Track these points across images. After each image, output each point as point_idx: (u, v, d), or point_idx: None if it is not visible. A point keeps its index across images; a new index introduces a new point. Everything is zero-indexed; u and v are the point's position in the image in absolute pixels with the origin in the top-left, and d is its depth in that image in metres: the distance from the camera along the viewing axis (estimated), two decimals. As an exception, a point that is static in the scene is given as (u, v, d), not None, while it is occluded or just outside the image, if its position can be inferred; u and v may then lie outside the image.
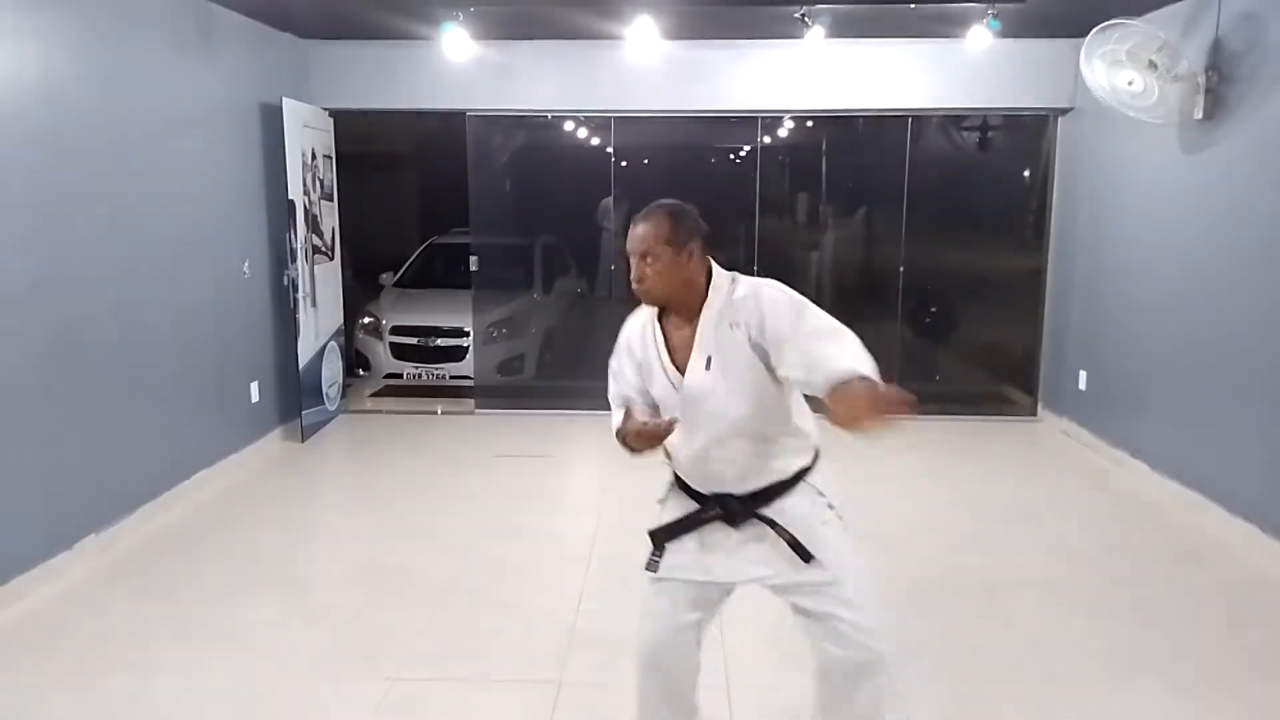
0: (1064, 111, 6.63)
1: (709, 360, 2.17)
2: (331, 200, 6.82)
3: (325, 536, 4.80)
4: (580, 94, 6.78)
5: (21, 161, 3.86)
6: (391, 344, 7.55)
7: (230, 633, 3.57)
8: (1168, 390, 5.29)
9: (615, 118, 7.08)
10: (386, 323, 7.64)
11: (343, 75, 6.71)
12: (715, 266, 2.26)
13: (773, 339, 2.10)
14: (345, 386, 7.18)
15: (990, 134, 7.48)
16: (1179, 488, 5.07)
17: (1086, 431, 6.24)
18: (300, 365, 6.23)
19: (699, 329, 2.20)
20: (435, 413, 7.23)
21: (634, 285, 2.21)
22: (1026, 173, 7.17)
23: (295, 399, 6.27)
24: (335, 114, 6.82)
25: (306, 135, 6.30)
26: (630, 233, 2.21)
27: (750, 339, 2.13)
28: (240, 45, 5.76)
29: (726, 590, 2.34)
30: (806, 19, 5.47)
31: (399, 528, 4.79)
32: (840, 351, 2.01)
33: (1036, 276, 6.95)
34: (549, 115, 7.31)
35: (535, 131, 7.81)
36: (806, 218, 8.05)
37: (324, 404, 6.66)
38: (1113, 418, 5.93)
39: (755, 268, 7.22)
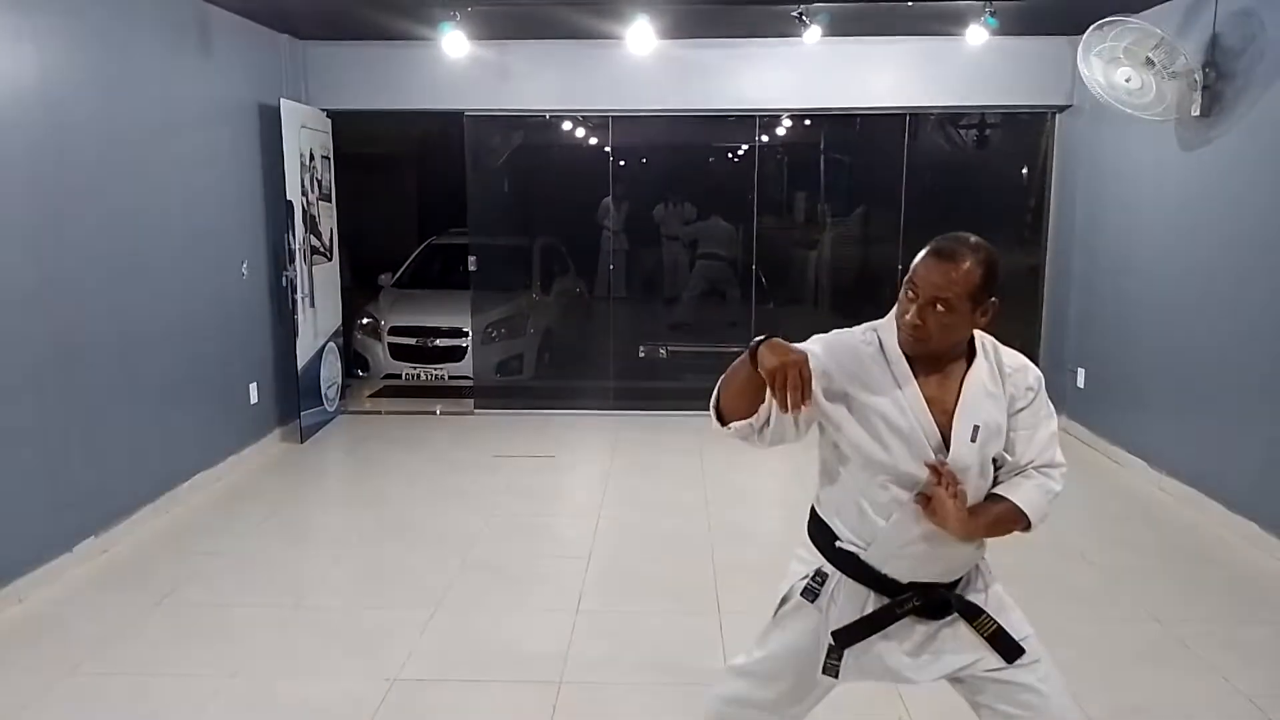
0: (1062, 109, 6.64)
1: (975, 431, 1.87)
2: (330, 201, 6.81)
3: (325, 537, 4.80)
4: (578, 94, 6.78)
5: (20, 164, 3.86)
6: (390, 344, 7.55)
7: (230, 633, 3.57)
8: (1166, 387, 5.29)
9: (613, 117, 7.08)
10: (385, 323, 7.64)
11: (341, 76, 6.70)
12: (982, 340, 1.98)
13: (1019, 422, 1.95)
14: (344, 387, 7.18)
15: (988, 132, 7.49)
16: (1177, 485, 5.07)
17: (1085, 429, 6.24)
18: (299, 366, 6.23)
19: (966, 391, 1.88)
20: (434, 413, 7.23)
21: (908, 328, 1.83)
22: (1024, 170, 7.17)
23: (294, 400, 6.26)
24: (333, 115, 6.81)
25: (304, 136, 6.30)
26: (931, 267, 1.80)
27: (1008, 413, 1.93)
28: (238, 46, 5.76)
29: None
30: (804, 17, 5.47)
31: (398, 528, 4.78)
32: (1036, 469, 2.01)
33: (1034, 274, 6.96)
34: (547, 115, 7.31)
35: (533, 131, 7.82)
36: (804, 216, 8.06)
37: (323, 405, 6.66)
38: (1111, 415, 5.93)
39: (753, 267, 7.23)
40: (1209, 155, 4.93)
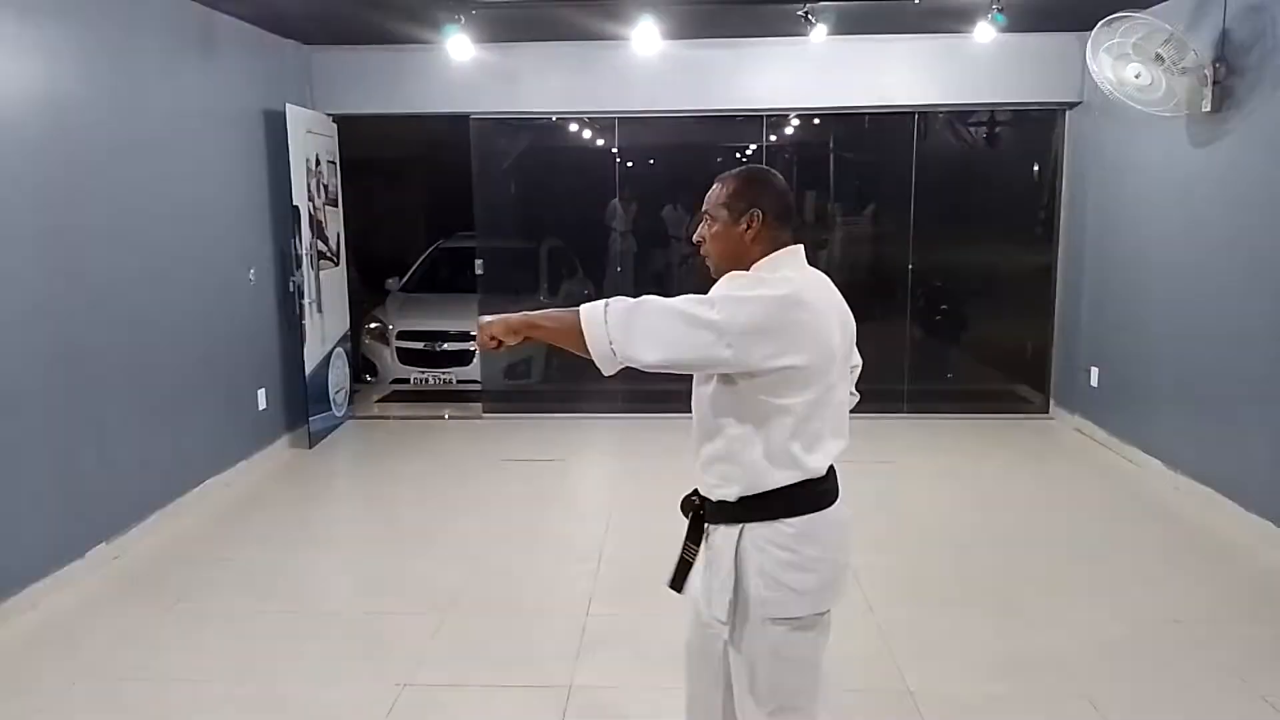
0: (1071, 106, 6.60)
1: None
2: (336, 206, 6.82)
3: (334, 542, 4.80)
4: (584, 95, 6.77)
5: (27, 171, 3.86)
6: (398, 349, 7.55)
7: (241, 639, 3.57)
8: (1180, 386, 5.25)
9: (619, 118, 7.07)
10: (393, 328, 7.63)
11: (346, 80, 6.71)
12: (782, 252, 1.98)
13: None
14: (352, 392, 7.18)
15: (997, 129, 7.45)
16: (1192, 484, 5.03)
17: (1099, 428, 6.19)
18: (307, 371, 6.23)
19: None
20: (443, 418, 7.23)
21: (697, 246, 2.07)
22: (1034, 168, 7.13)
23: (302, 405, 6.27)
24: (339, 119, 6.82)
25: (310, 141, 6.30)
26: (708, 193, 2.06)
27: None
28: (243, 52, 5.77)
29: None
30: (810, 16, 5.45)
31: (408, 533, 4.78)
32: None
33: (1046, 273, 6.91)
34: (553, 117, 7.30)
35: (539, 134, 7.81)
36: (814, 216, 8.02)
37: (331, 410, 6.66)
38: (1125, 414, 5.88)
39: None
40: (1220, 151, 4.89)
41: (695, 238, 2.05)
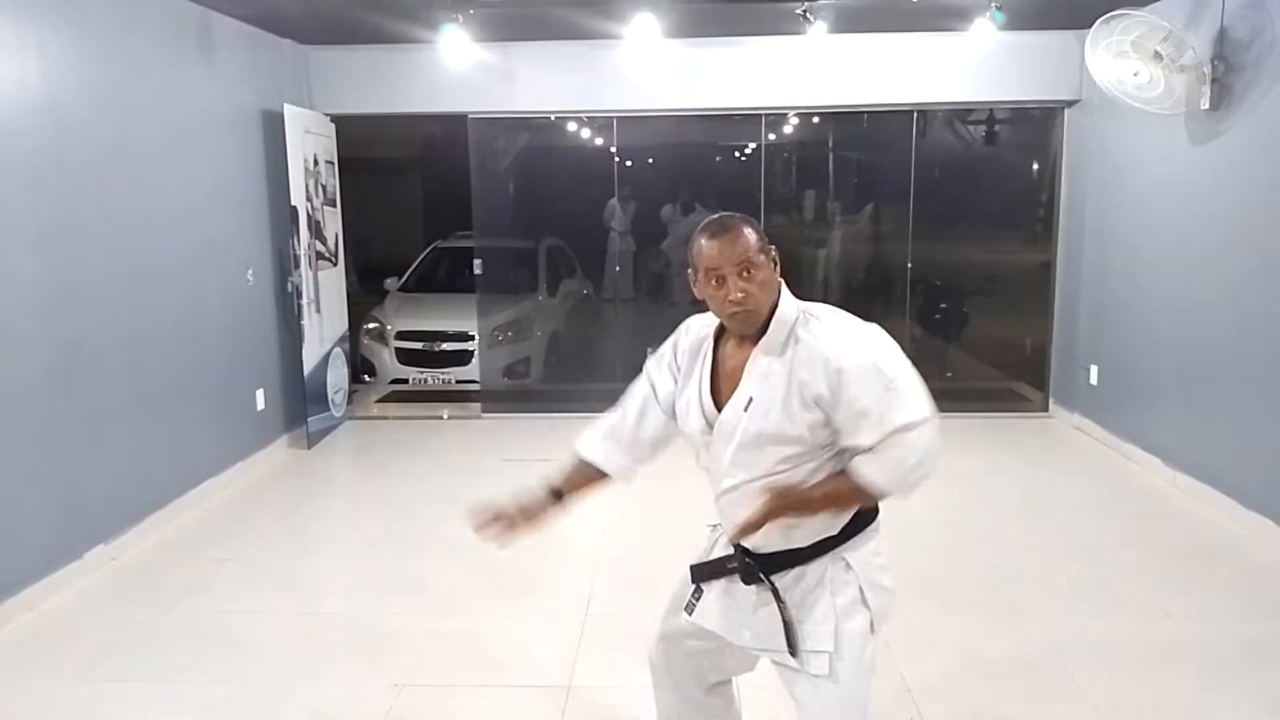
0: (1070, 103, 6.59)
1: (749, 401, 1.89)
2: (334, 206, 6.81)
3: (332, 543, 4.79)
4: (582, 94, 6.76)
5: (24, 172, 3.86)
6: (397, 349, 7.54)
7: (239, 640, 3.56)
8: (1179, 384, 5.25)
9: (618, 117, 7.06)
10: (391, 328, 7.63)
11: (343, 80, 6.70)
12: (784, 289, 1.95)
13: (839, 406, 1.83)
14: (351, 392, 7.17)
15: (996, 127, 7.44)
16: (1191, 481, 5.02)
17: (1098, 426, 6.19)
18: (305, 372, 6.22)
19: (750, 361, 1.90)
20: (441, 417, 7.22)
21: (732, 308, 1.86)
22: (1034, 166, 7.13)
23: (301, 406, 6.26)
24: (337, 119, 6.81)
25: (308, 141, 6.29)
26: (716, 247, 1.84)
27: (813, 397, 1.84)
28: (240, 52, 5.76)
29: (743, 653, 2.09)
30: (808, 14, 5.44)
31: (406, 533, 4.77)
32: (879, 443, 1.86)
33: (1045, 271, 6.91)
34: (551, 116, 7.30)
35: (538, 133, 7.81)
36: (813, 215, 8.03)
37: (330, 410, 6.65)
38: (1124, 412, 5.88)
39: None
40: (1219, 149, 4.89)
41: (736, 296, 1.84)
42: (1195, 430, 5.07)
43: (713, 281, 1.86)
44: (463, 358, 7.44)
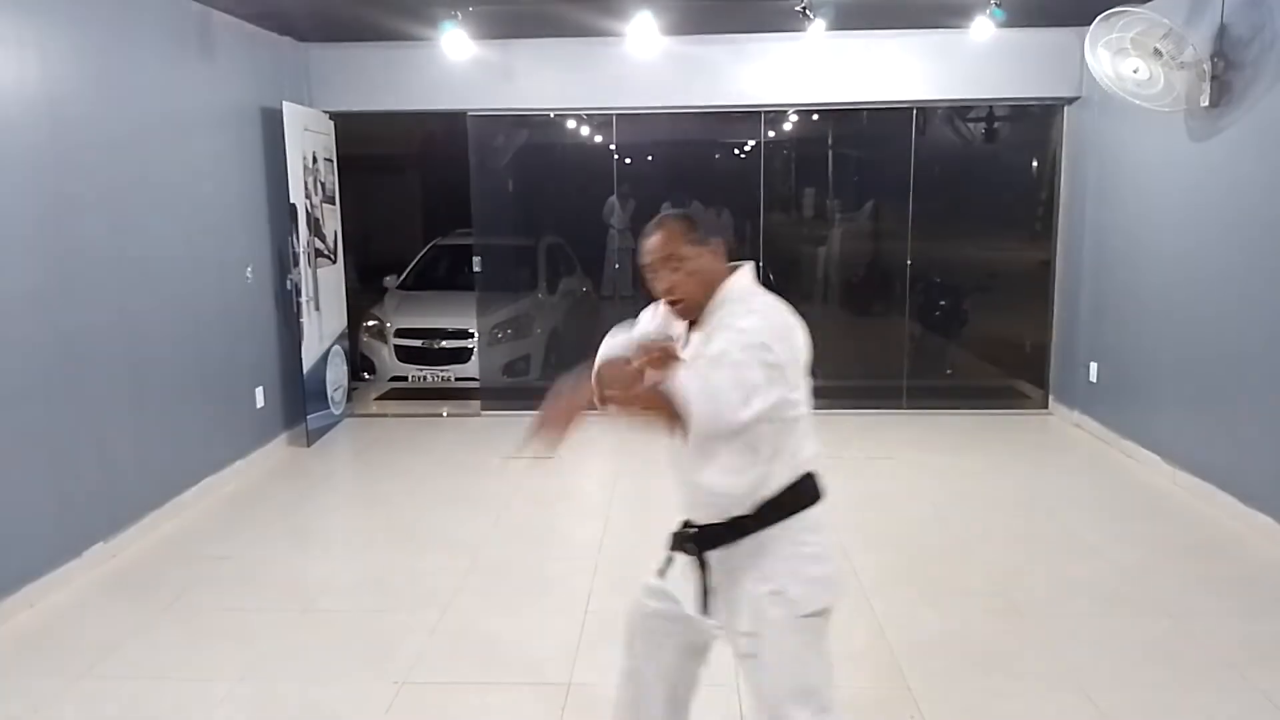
0: (1070, 101, 6.59)
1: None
2: (334, 203, 6.80)
3: (332, 540, 4.79)
4: (581, 92, 6.76)
5: (23, 170, 3.85)
6: (396, 347, 7.54)
7: (239, 638, 3.56)
8: (1179, 381, 5.25)
9: (617, 115, 7.06)
10: (391, 325, 7.63)
11: (343, 78, 6.69)
12: (738, 275, 2.05)
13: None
14: (350, 390, 7.17)
15: (996, 125, 7.44)
16: (1191, 479, 5.02)
17: (1098, 424, 6.19)
18: (305, 369, 6.22)
19: (694, 333, 2.06)
20: (441, 415, 7.22)
21: (665, 297, 2.05)
22: (1034, 163, 7.13)
23: (300, 403, 6.26)
24: (336, 117, 6.80)
25: (307, 139, 6.29)
26: (645, 245, 2.06)
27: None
28: (239, 50, 5.75)
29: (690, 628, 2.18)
30: (808, 12, 5.43)
31: (406, 531, 4.77)
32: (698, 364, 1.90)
33: (1045, 268, 6.91)
34: (550, 114, 7.29)
35: (537, 130, 7.80)
36: (812, 212, 8.03)
37: (329, 408, 6.65)
38: (1124, 410, 5.88)
39: (761, 264, 7.20)
40: (1218, 146, 4.88)
41: (664, 286, 2.02)
42: (1195, 427, 5.06)
43: (649, 275, 2.05)
44: (462, 355, 7.44)
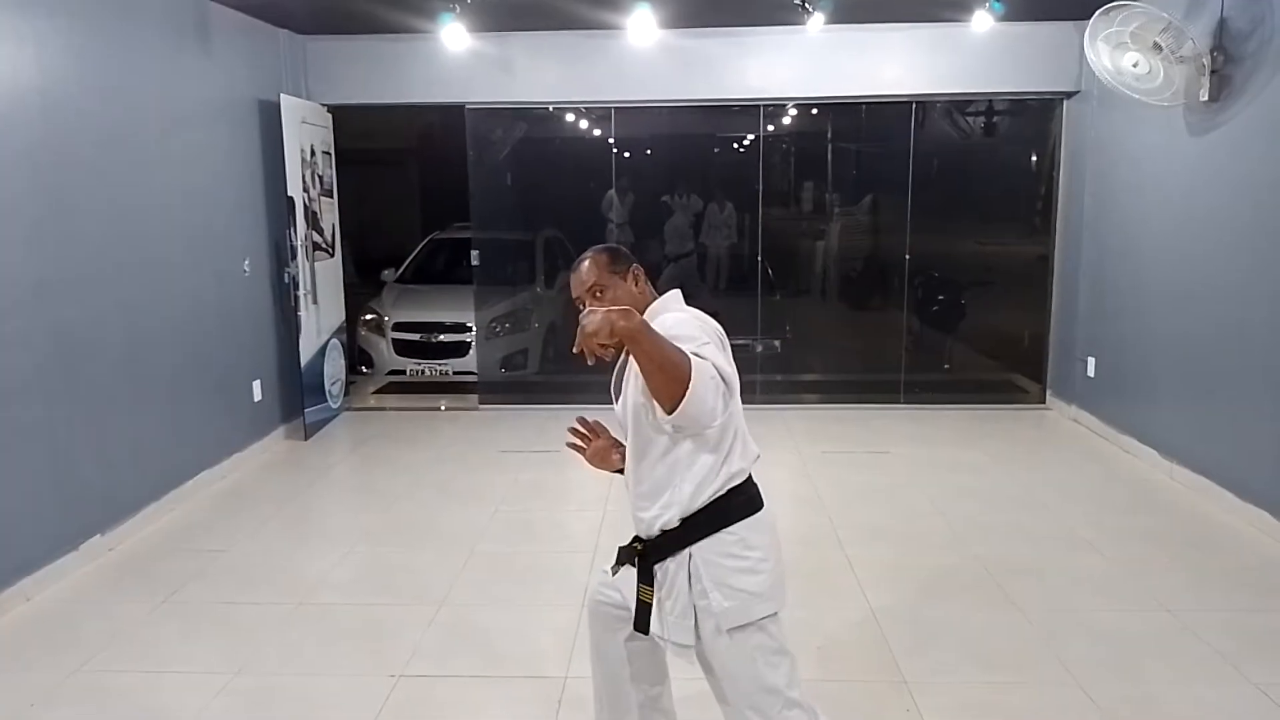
0: (1069, 95, 6.58)
1: (625, 396, 2.12)
2: (331, 197, 6.79)
3: (330, 534, 4.79)
4: (580, 85, 6.74)
5: (20, 162, 3.84)
6: (394, 340, 7.54)
7: (236, 631, 3.56)
8: (1177, 376, 5.25)
9: (616, 108, 7.04)
10: (389, 319, 7.63)
11: (340, 70, 6.68)
12: (666, 297, 2.18)
13: None
14: (348, 384, 7.17)
15: (995, 119, 7.43)
16: (1188, 473, 5.03)
17: (1096, 418, 6.20)
18: (302, 363, 6.21)
19: (628, 365, 2.11)
20: (439, 409, 7.22)
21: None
22: (1033, 157, 7.12)
23: (298, 397, 6.25)
24: (334, 109, 6.79)
25: (305, 131, 6.27)
26: (571, 279, 2.17)
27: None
28: (237, 42, 5.74)
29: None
30: (807, 5, 5.42)
31: (403, 524, 4.77)
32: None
33: (1043, 262, 6.91)
34: (549, 107, 7.28)
35: (535, 124, 7.78)
36: (811, 206, 8.01)
37: (327, 401, 6.65)
38: (1122, 404, 5.88)
39: (759, 258, 7.20)
40: (1218, 140, 4.88)
41: (584, 318, 1.96)
42: (1193, 422, 5.07)
43: (579, 309, 2.06)
44: (460, 349, 7.44)
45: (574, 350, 1.91)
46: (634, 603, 2.15)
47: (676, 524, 2.04)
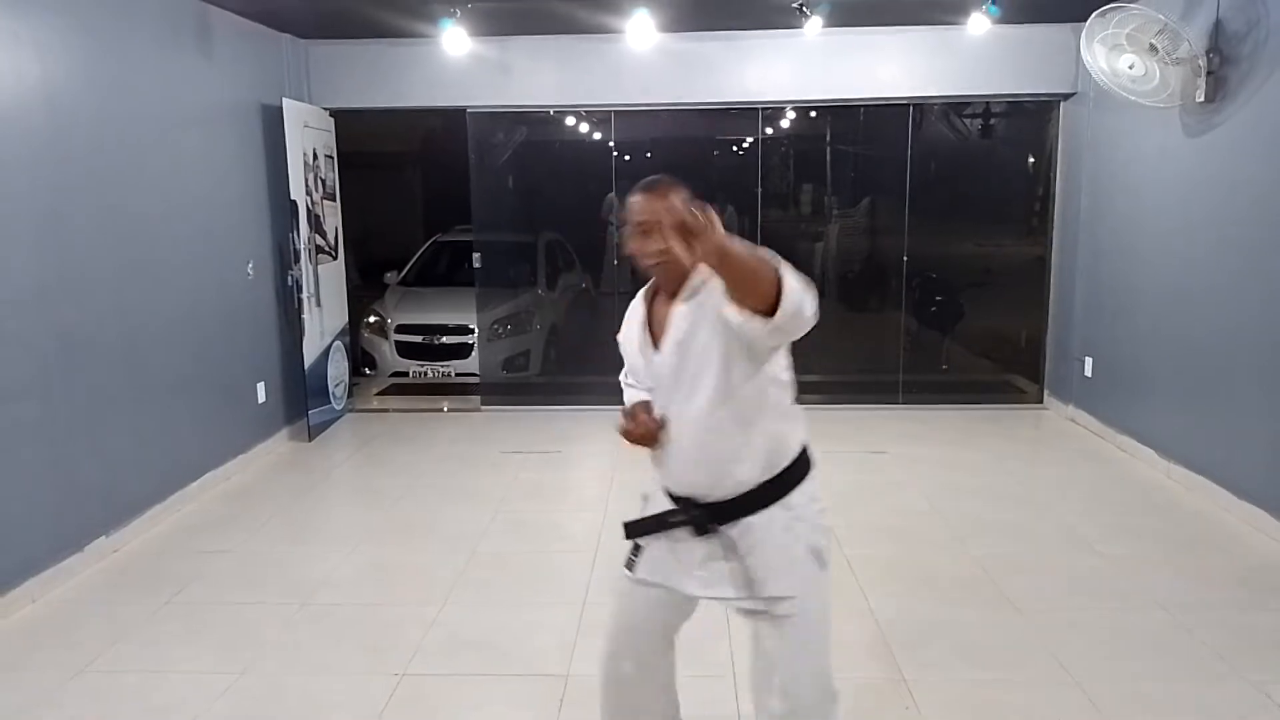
0: (1066, 97, 6.60)
1: (680, 339, 2.03)
2: (334, 200, 6.83)
3: (333, 535, 4.82)
4: (580, 88, 6.78)
5: (24, 167, 3.88)
6: (397, 342, 7.57)
7: (239, 632, 3.59)
8: (1174, 375, 5.28)
9: (615, 111, 7.07)
10: (391, 321, 7.66)
11: (342, 75, 6.71)
12: None
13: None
14: (351, 385, 7.20)
15: (992, 121, 7.46)
16: (1185, 472, 5.05)
17: (1093, 418, 6.22)
18: (306, 365, 6.25)
19: (676, 304, 2.06)
20: (441, 410, 7.25)
21: (656, 258, 2.00)
22: (1029, 159, 7.15)
23: (302, 399, 6.29)
24: (336, 114, 6.82)
25: (308, 135, 6.31)
26: (647, 201, 2.01)
27: (718, 313, 1.95)
28: (239, 47, 5.78)
29: (694, 601, 2.23)
30: (804, 8, 5.46)
31: (406, 525, 4.80)
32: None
33: (1040, 263, 6.94)
34: (549, 110, 7.30)
35: (536, 127, 7.81)
36: (809, 209, 8.04)
37: (330, 403, 6.68)
38: (1119, 404, 5.91)
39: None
40: (1214, 141, 4.90)
41: (661, 246, 1.92)
42: (1190, 422, 5.09)
43: (635, 236, 2.03)
44: (462, 351, 7.47)
45: (627, 246, 1.98)
46: (687, 581, 2.13)
47: (772, 478, 2.06)
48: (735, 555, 2.08)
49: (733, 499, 2.06)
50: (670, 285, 2.08)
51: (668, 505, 2.18)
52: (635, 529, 2.20)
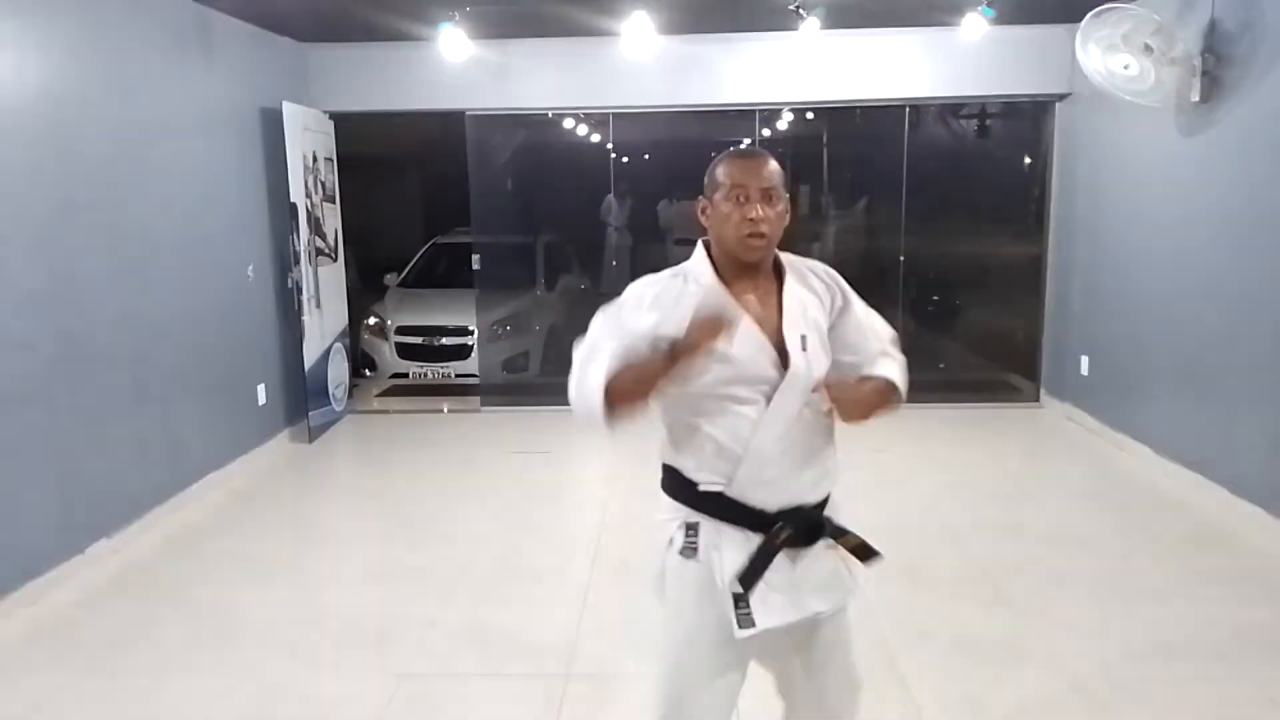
0: (1061, 97, 6.63)
1: (804, 339, 1.83)
2: (334, 202, 6.85)
3: (334, 535, 4.84)
4: (578, 91, 6.80)
5: (25, 170, 3.90)
6: (397, 344, 7.60)
7: (241, 633, 3.61)
8: (1170, 374, 5.30)
9: (614, 114, 7.10)
10: (391, 323, 7.68)
11: (342, 78, 6.74)
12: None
13: (848, 320, 1.95)
14: (352, 387, 7.22)
15: (988, 121, 7.49)
16: (1182, 471, 5.07)
17: (1090, 416, 6.24)
18: (306, 367, 6.27)
19: (787, 301, 1.87)
20: (441, 411, 7.27)
21: (749, 227, 1.79)
22: (1025, 159, 7.17)
23: (302, 400, 6.31)
24: (335, 116, 6.85)
25: (307, 138, 6.33)
26: (747, 165, 1.82)
27: (828, 315, 1.91)
28: (239, 50, 5.80)
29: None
30: (801, 10, 5.48)
31: (406, 525, 4.82)
32: (887, 351, 1.99)
33: (1037, 262, 6.96)
34: (548, 113, 7.34)
35: (535, 129, 7.85)
36: (807, 209, 8.07)
37: (331, 404, 6.70)
38: (1116, 402, 5.93)
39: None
40: (1209, 141, 4.93)
41: (756, 214, 1.78)
42: (1186, 419, 5.11)
43: (736, 198, 1.79)
44: (462, 352, 7.50)
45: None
46: (807, 599, 1.89)
47: (832, 488, 1.96)
48: (834, 550, 1.93)
49: (819, 504, 1.91)
50: (755, 255, 1.84)
51: (746, 535, 1.85)
52: (753, 573, 1.83)
